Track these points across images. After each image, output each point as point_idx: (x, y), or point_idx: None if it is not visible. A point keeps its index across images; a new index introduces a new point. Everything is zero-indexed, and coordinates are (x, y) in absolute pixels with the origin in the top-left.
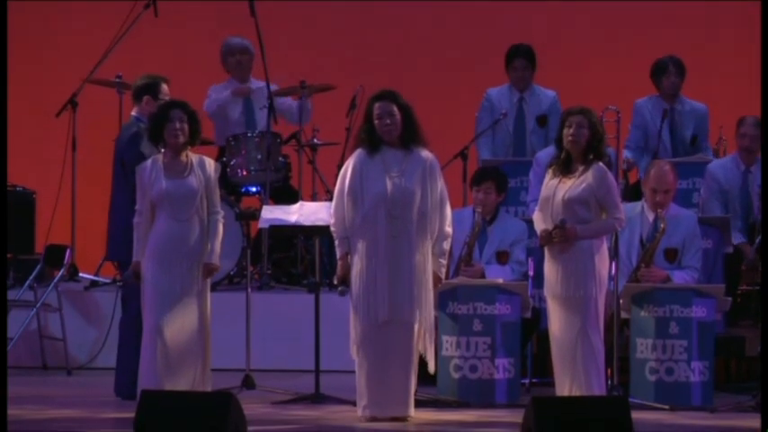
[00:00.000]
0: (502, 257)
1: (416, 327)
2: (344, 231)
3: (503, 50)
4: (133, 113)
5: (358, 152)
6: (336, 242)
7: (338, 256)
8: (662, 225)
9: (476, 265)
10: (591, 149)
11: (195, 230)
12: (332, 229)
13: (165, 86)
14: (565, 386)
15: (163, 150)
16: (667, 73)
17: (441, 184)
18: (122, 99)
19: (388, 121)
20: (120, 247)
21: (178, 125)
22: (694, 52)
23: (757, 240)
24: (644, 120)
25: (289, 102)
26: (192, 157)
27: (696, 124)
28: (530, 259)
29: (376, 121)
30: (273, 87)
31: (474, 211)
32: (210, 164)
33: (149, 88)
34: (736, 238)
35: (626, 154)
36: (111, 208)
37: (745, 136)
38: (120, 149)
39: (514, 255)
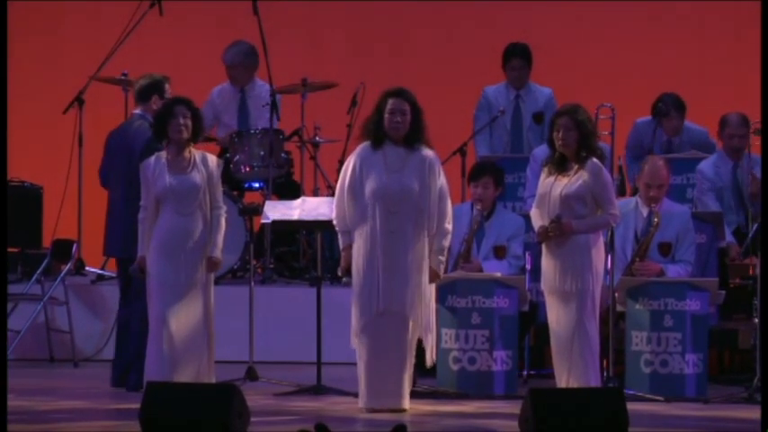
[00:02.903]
0: (499, 252)
1: (411, 320)
2: (345, 225)
3: (500, 48)
4: (137, 111)
5: (361, 148)
6: (339, 235)
7: (341, 248)
8: (656, 220)
9: (474, 261)
10: (582, 147)
11: (198, 225)
12: (334, 222)
13: (168, 85)
14: (563, 378)
15: (166, 147)
16: (669, 117)
17: (441, 182)
18: (128, 96)
19: (399, 119)
20: (117, 242)
21: (182, 120)
22: (689, 51)
23: (750, 235)
24: (639, 140)
25: None
26: (195, 153)
27: (694, 146)
28: (527, 253)
29: (386, 116)
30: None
31: (472, 207)
32: (213, 160)
33: (156, 87)
34: (728, 237)
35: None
36: (110, 203)
37: (733, 137)
38: (130, 146)
39: (512, 249)
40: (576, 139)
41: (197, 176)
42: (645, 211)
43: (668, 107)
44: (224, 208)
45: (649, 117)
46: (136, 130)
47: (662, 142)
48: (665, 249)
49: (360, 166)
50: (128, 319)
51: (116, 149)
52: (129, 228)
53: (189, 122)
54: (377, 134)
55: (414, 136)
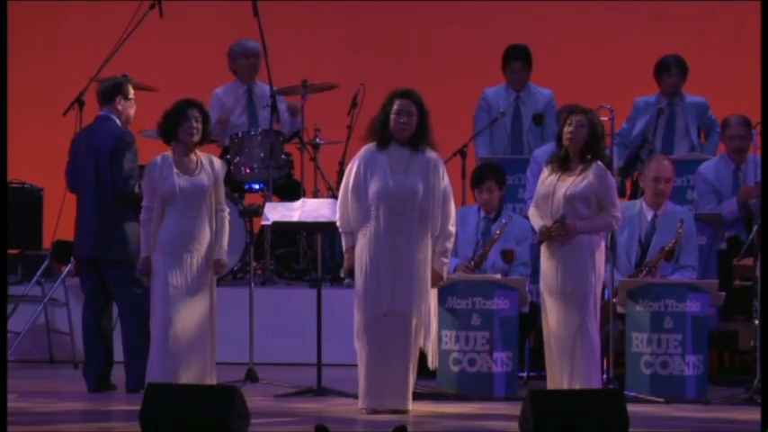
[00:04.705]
0: (507, 255)
1: (414, 321)
2: (349, 226)
3: (499, 49)
4: (102, 113)
5: (364, 150)
6: (342, 236)
7: (344, 249)
8: (672, 242)
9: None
10: (588, 149)
11: (204, 227)
12: (337, 223)
13: (130, 86)
14: (563, 379)
15: (172, 148)
16: (669, 72)
17: (444, 183)
18: None
19: (405, 120)
20: (88, 243)
21: (194, 123)
22: (690, 52)
23: (754, 230)
24: (639, 117)
25: (284, 112)
26: (201, 155)
27: (698, 119)
28: None
29: (393, 116)
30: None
31: (479, 210)
32: (218, 162)
33: (119, 88)
34: (729, 232)
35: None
36: (79, 205)
37: (734, 138)
38: (98, 147)
39: (520, 256)
40: (584, 137)
41: (204, 178)
42: (649, 215)
43: (670, 62)
44: (227, 210)
45: (647, 96)
46: (104, 130)
47: (658, 107)
48: (668, 253)
49: (364, 168)
50: (98, 321)
51: (83, 151)
52: (101, 228)
53: (200, 126)
54: (382, 134)
55: (419, 138)
